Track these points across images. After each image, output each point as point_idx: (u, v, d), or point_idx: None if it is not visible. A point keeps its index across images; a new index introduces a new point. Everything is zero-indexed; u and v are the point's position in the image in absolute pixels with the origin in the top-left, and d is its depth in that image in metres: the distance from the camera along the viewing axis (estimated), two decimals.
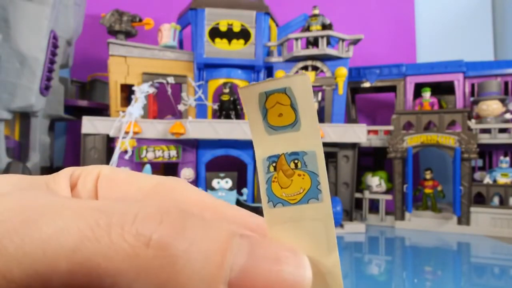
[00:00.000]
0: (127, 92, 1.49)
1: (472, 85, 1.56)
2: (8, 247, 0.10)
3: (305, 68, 1.47)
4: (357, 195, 1.52)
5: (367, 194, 1.53)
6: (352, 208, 1.43)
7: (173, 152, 1.36)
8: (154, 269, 0.10)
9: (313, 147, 0.13)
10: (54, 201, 0.12)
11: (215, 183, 1.32)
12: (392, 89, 1.68)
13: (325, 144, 1.32)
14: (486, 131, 1.44)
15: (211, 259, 0.11)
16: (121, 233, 0.11)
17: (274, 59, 1.50)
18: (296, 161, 0.13)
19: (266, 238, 0.14)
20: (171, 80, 1.44)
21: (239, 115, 1.44)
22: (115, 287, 0.10)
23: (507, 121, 1.45)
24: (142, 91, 1.36)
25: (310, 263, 0.12)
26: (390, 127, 1.53)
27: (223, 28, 1.46)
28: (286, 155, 0.14)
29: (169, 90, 1.45)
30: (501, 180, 1.39)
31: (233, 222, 0.15)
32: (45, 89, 1.30)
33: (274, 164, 0.14)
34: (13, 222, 0.11)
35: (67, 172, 0.16)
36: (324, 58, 1.45)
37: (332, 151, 1.41)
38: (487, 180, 1.40)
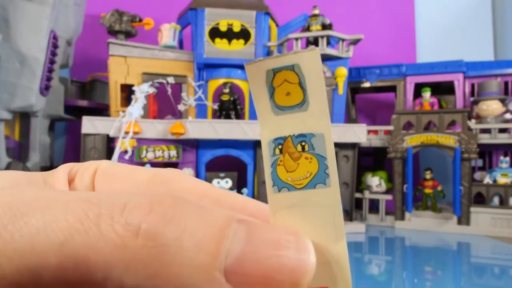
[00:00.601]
0: (127, 92, 1.49)
1: (472, 85, 1.56)
2: None
3: None
4: (357, 195, 1.52)
5: (367, 194, 1.53)
6: (352, 208, 1.43)
7: (173, 152, 1.36)
8: (143, 259, 0.10)
9: (321, 129, 0.13)
10: (46, 195, 0.11)
11: (215, 183, 1.32)
12: (392, 89, 1.68)
13: None
14: (486, 131, 1.44)
15: (204, 246, 0.10)
16: (111, 223, 0.10)
17: None
18: (303, 144, 0.13)
19: (267, 223, 0.13)
20: (171, 80, 1.44)
21: (239, 115, 1.44)
22: (106, 281, 0.10)
23: (507, 121, 1.45)
24: (142, 91, 1.36)
25: (316, 250, 0.11)
26: (390, 127, 1.53)
27: (223, 28, 1.46)
28: (293, 137, 0.13)
29: (169, 90, 1.45)
30: (501, 180, 1.38)
31: (232, 208, 0.15)
32: (45, 89, 1.30)
33: (280, 147, 0.13)
34: (3, 217, 0.10)
35: (65, 168, 0.16)
36: (324, 58, 1.44)
37: None
38: (487, 180, 1.40)
